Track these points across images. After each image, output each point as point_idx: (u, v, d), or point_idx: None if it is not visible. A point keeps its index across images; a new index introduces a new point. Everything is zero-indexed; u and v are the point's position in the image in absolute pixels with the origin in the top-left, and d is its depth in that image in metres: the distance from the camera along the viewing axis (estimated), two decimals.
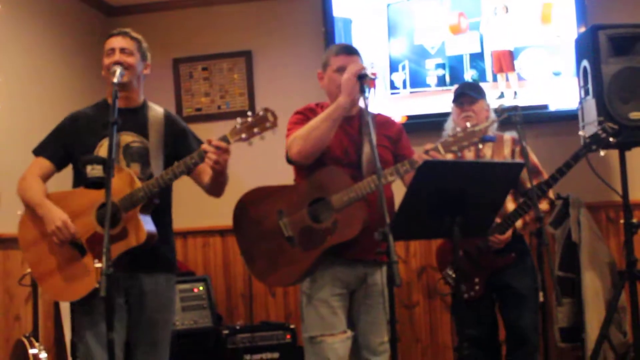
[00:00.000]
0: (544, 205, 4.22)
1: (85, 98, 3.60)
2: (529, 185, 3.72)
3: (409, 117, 5.59)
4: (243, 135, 3.08)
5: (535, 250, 4.09)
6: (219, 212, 5.53)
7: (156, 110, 3.51)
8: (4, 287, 4.62)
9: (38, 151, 3.48)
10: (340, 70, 3.38)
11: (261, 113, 3.10)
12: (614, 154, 4.69)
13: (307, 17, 5.94)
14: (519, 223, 4.10)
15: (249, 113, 3.12)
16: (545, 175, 4.18)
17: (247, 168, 5.04)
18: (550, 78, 5.45)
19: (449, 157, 3.34)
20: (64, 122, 3.50)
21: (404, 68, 5.70)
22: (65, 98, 5.21)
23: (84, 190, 3.30)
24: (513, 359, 4.19)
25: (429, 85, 5.67)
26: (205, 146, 3.12)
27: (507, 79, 5.52)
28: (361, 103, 3.35)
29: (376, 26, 5.75)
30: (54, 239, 3.22)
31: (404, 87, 5.70)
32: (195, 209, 5.13)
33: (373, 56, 5.70)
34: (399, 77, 5.69)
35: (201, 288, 5.36)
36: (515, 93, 5.46)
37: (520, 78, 5.50)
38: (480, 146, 3.97)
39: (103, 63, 3.43)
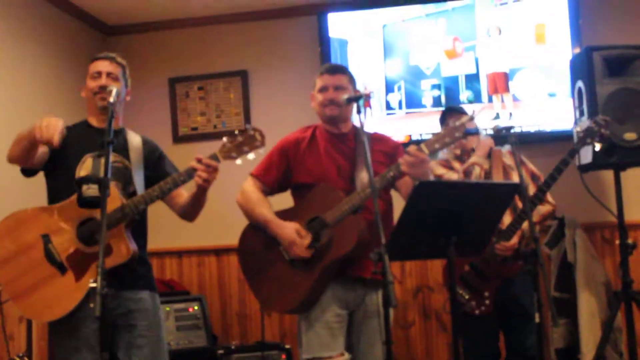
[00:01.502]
0: (547, 207, 4.23)
1: (83, 117, 3.60)
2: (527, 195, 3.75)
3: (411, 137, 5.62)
4: (233, 154, 3.15)
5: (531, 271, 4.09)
6: (215, 232, 5.58)
7: (134, 136, 3.55)
8: None
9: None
10: (322, 90, 3.49)
11: (251, 132, 3.17)
12: (609, 174, 4.70)
13: (303, 37, 5.96)
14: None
15: (236, 132, 3.18)
16: (542, 179, 4.20)
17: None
18: (546, 99, 5.47)
19: (454, 176, 3.36)
20: None
21: (399, 89, 5.72)
22: (64, 117, 5.18)
23: (63, 207, 3.26)
24: None
25: (424, 106, 5.68)
26: (195, 164, 3.15)
27: (502, 100, 5.53)
28: (356, 122, 3.40)
29: (372, 47, 5.78)
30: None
31: (400, 107, 5.72)
32: (190, 228, 5.13)
33: (369, 77, 5.73)
34: (394, 98, 5.70)
35: (196, 308, 5.34)
36: (511, 114, 5.48)
37: (515, 99, 5.52)
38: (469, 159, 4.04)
39: (87, 85, 3.47)
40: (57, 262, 3.21)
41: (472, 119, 3.21)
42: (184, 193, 3.39)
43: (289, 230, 3.36)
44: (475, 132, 3.52)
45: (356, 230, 3.28)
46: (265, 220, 3.46)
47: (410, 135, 5.62)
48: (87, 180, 3.21)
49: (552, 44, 5.48)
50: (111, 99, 3.03)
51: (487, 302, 4.13)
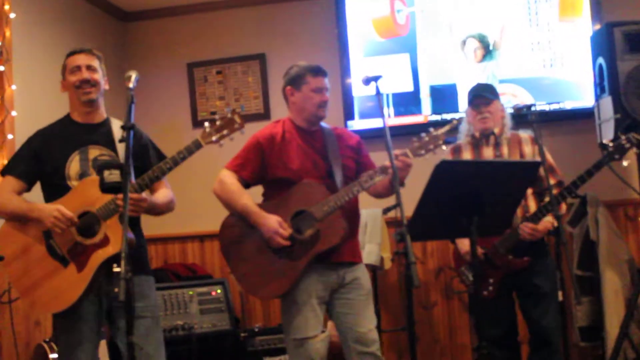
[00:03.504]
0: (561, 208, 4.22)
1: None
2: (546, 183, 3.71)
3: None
4: (214, 138, 3.26)
5: (553, 249, 4.07)
6: None
7: (118, 123, 3.54)
8: None
9: (7, 170, 3.50)
10: (318, 91, 3.64)
11: (229, 115, 3.27)
12: (631, 151, 4.66)
13: (321, 19, 5.94)
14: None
15: (217, 116, 3.29)
16: (560, 173, 4.16)
17: None
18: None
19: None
20: (33, 140, 3.52)
21: None
22: None
23: (59, 203, 3.32)
24: (536, 358, 4.18)
25: None
26: (119, 196, 3.18)
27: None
28: (322, 123, 3.71)
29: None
30: (57, 230, 3.25)
31: None
32: (212, 211, 5.14)
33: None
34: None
35: (219, 291, 5.37)
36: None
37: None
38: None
39: (67, 80, 3.49)
40: (59, 256, 3.30)
41: (454, 129, 3.44)
42: (161, 190, 3.51)
43: (272, 221, 3.50)
44: (452, 142, 3.85)
45: (342, 223, 3.51)
46: (248, 210, 3.57)
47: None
48: (108, 166, 3.26)
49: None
50: (131, 85, 3.03)
51: (491, 288, 4.12)
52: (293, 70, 3.74)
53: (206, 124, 3.28)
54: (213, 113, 6.08)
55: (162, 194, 3.53)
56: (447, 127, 3.42)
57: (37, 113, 4.90)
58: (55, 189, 3.39)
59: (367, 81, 3.32)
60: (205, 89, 6.16)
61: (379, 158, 3.92)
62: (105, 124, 3.54)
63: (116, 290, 2.65)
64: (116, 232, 3.24)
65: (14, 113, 4.69)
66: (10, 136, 4.63)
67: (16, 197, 3.41)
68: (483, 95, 4.19)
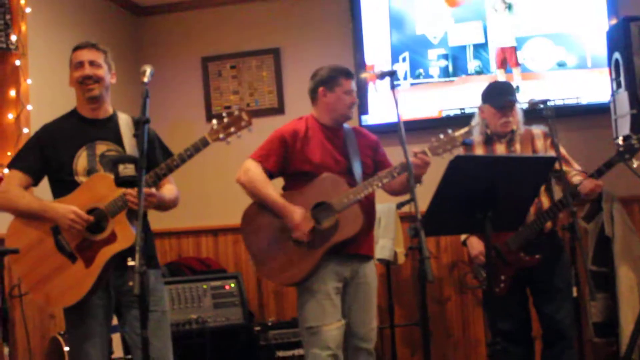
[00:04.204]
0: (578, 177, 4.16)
1: (114, 99, 3.63)
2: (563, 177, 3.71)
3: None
4: (221, 136, 3.27)
5: (568, 245, 4.06)
6: None
7: (125, 118, 3.56)
8: None
9: (13, 164, 3.50)
10: (349, 93, 3.82)
11: (236, 113, 3.28)
12: None
13: (335, 13, 5.93)
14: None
15: (224, 114, 3.29)
16: (575, 164, 4.15)
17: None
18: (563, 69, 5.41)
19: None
20: (39, 135, 3.53)
21: (404, 60, 5.69)
22: None
23: (68, 200, 3.33)
24: (550, 354, 4.17)
25: (431, 77, 5.64)
26: (127, 191, 3.22)
27: (511, 72, 5.50)
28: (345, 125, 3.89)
29: (378, 16, 5.75)
30: (73, 232, 3.27)
31: (405, 78, 5.67)
32: (225, 206, 5.15)
33: (374, 47, 5.73)
34: (400, 68, 5.66)
35: (233, 285, 5.39)
36: (518, 87, 5.37)
37: (525, 70, 5.49)
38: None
39: (72, 76, 3.49)
40: (67, 252, 3.31)
41: (470, 133, 3.61)
42: (167, 186, 3.50)
43: (297, 214, 3.64)
44: (469, 143, 4.00)
45: (360, 216, 3.65)
46: (273, 201, 3.70)
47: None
48: (123, 160, 3.28)
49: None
50: (145, 79, 3.03)
51: (503, 285, 4.12)
52: (324, 71, 3.89)
53: (214, 121, 3.28)
54: (227, 107, 6.09)
55: (169, 190, 3.54)
56: (464, 130, 3.55)
57: (52, 107, 4.90)
58: (63, 185, 3.40)
59: (382, 76, 3.35)
60: (220, 83, 6.16)
61: (392, 153, 3.93)
62: (112, 119, 3.54)
63: (130, 283, 2.67)
64: (124, 228, 3.26)
65: (29, 107, 4.71)
66: (26, 130, 4.66)
67: (27, 194, 3.42)
68: (513, 101, 4.19)
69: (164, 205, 3.51)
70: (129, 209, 3.26)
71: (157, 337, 3.41)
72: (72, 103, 3.62)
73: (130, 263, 2.70)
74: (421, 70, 5.64)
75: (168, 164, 3.28)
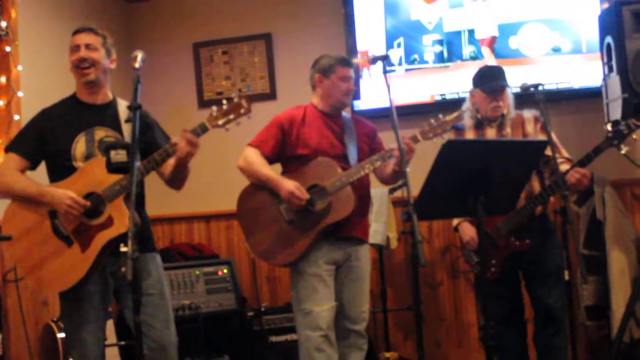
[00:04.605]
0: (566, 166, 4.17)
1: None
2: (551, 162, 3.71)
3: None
4: (220, 122, 3.26)
5: (560, 229, 4.07)
6: None
7: (124, 105, 3.53)
8: None
9: (11, 147, 3.49)
10: (345, 80, 3.89)
11: (235, 100, 3.27)
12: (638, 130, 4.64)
13: None
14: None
15: (224, 101, 3.28)
16: (563, 152, 4.16)
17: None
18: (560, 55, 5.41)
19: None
20: (37, 119, 3.52)
21: (399, 45, 5.67)
22: None
23: (65, 184, 3.33)
24: (542, 336, 4.20)
25: (426, 62, 5.63)
26: (176, 139, 3.23)
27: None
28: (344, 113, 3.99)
29: (372, 2, 5.74)
30: (70, 217, 3.27)
31: (400, 64, 5.66)
32: (218, 192, 5.16)
33: (368, 32, 5.72)
34: (394, 54, 5.65)
35: (225, 271, 5.39)
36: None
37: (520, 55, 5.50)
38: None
39: (69, 60, 3.47)
40: (63, 236, 3.31)
41: (461, 118, 3.67)
42: (170, 162, 3.43)
43: (290, 184, 3.72)
44: (461, 128, 4.09)
45: (352, 199, 3.71)
46: (268, 177, 3.80)
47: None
48: (115, 146, 3.27)
49: None
50: (136, 65, 3.03)
51: (494, 269, 4.13)
52: (324, 60, 3.97)
53: (214, 107, 3.27)
54: (219, 93, 6.08)
55: None
56: (455, 114, 3.62)
57: (43, 94, 4.89)
58: (61, 170, 3.39)
59: (374, 60, 3.34)
60: (212, 69, 6.15)
61: (384, 138, 3.94)
62: (112, 104, 3.53)
63: (123, 269, 2.67)
64: (121, 213, 3.25)
65: (20, 94, 4.69)
66: (16, 117, 4.64)
67: (24, 178, 3.41)
68: (502, 85, 4.19)
69: (187, 172, 3.47)
70: (127, 193, 3.24)
71: (157, 320, 3.42)
72: (63, 89, 3.61)
73: (123, 249, 2.70)
74: (416, 56, 5.63)
75: (166, 149, 3.26)
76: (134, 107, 2.91)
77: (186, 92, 6.13)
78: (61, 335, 4.38)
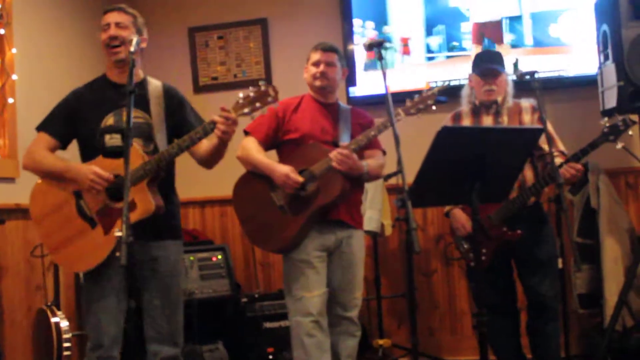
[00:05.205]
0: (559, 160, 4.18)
1: (99, 68, 3.61)
2: (546, 149, 3.70)
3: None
4: (246, 110, 3.21)
5: (554, 217, 4.07)
6: None
7: (155, 84, 3.54)
8: (25, 258, 4.66)
9: (42, 127, 3.50)
10: (316, 64, 3.91)
11: (263, 88, 3.21)
12: (633, 118, 4.64)
13: None
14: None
15: (251, 88, 3.22)
16: (559, 144, 4.15)
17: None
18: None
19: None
20: (68, 99, 3.52)
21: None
22: (85, 71, 5.18)
23: (92, 164, 3.32)
24: (535, 325, 4.21)
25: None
26: (215, 117, 3.20)
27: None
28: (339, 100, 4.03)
29: None
30: (93, 192, 3.28)
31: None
32: (212, 178, 5.12)
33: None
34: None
35: (219, 257, 5.39)
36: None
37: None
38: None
39: (100, 39, 3.46)
40: (87, 217, 3.33)
41: (445, 91, 3.68)
42: (204, 142, 3.41)
43: (283, 168, 3.75)
44: (444, 101, 3.91)
45: (340, 181, 3.72)
46: (262, 162, 3.85)
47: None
48: (110, 130, 3.27)
49: None
50: (132, 48, 3.02)
51: (484, 258, 4.12)
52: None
53: (240, 94, 3.22)
54: (214, 79, 6.07)
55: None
56: (437, 88, 3.67)
57: (37, 76, 4.89)
58: (92, 150, 3.39)
59: (369, 47, 3.30)
60: (207, 54, 6.13)
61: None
62: (142, 84, 3.50)
63: (117, 254, 2.67)
64: (144, 197, 3.24)
65: (14, 77, 4.67)
66: (11, 100, 4.62)
67: (51, 155, 3.43)
68: (494, 68, 4.18)
69: (225, 151, 3.44)
70: (151, 178, 3.25)
71: (167, 301, 3.44)
72: (57, 72, 3.60)
73: (117, 234, 2.70)
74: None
75: (191, 136, 3.24)
76: (128, 92, 2.90)
77: (181, 77, 6.09)
78: (55, 319, 4.38)
